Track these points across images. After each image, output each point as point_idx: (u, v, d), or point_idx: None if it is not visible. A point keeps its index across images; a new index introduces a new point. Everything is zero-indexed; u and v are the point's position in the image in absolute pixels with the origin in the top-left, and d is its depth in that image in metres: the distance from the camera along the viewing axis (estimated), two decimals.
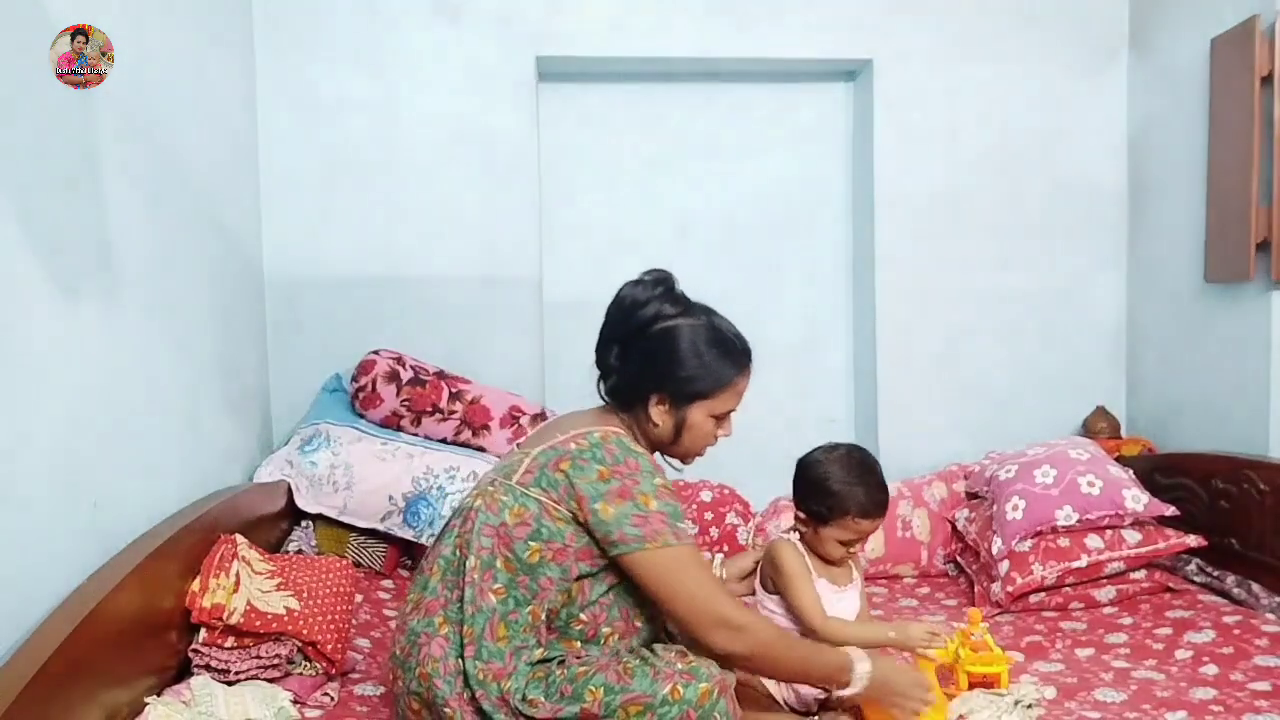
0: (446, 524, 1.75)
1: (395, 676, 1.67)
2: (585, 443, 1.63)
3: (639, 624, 1.70)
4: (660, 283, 1.73)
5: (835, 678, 1.71)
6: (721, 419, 1.74)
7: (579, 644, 1.65)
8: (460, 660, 1.58)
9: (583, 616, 1.63)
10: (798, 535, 1.97)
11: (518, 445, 1.81)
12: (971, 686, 1.88)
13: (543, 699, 1.54)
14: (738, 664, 1.64)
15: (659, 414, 1.70)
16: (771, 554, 1.95)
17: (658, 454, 1.77)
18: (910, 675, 1.78)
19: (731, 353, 1.72)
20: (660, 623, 1.75)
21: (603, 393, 1.77)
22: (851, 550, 1.94)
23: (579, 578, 1.62)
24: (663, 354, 1.68)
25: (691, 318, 1.71)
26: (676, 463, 1.79)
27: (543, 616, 1.60)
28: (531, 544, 1.60)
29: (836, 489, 1.89)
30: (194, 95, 2.42)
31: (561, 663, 1.60)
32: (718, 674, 1.54)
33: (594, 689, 1.51)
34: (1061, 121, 3.23)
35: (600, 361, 1.76)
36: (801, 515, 1.96)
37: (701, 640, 1.61)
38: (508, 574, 1.60)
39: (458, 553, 1.64)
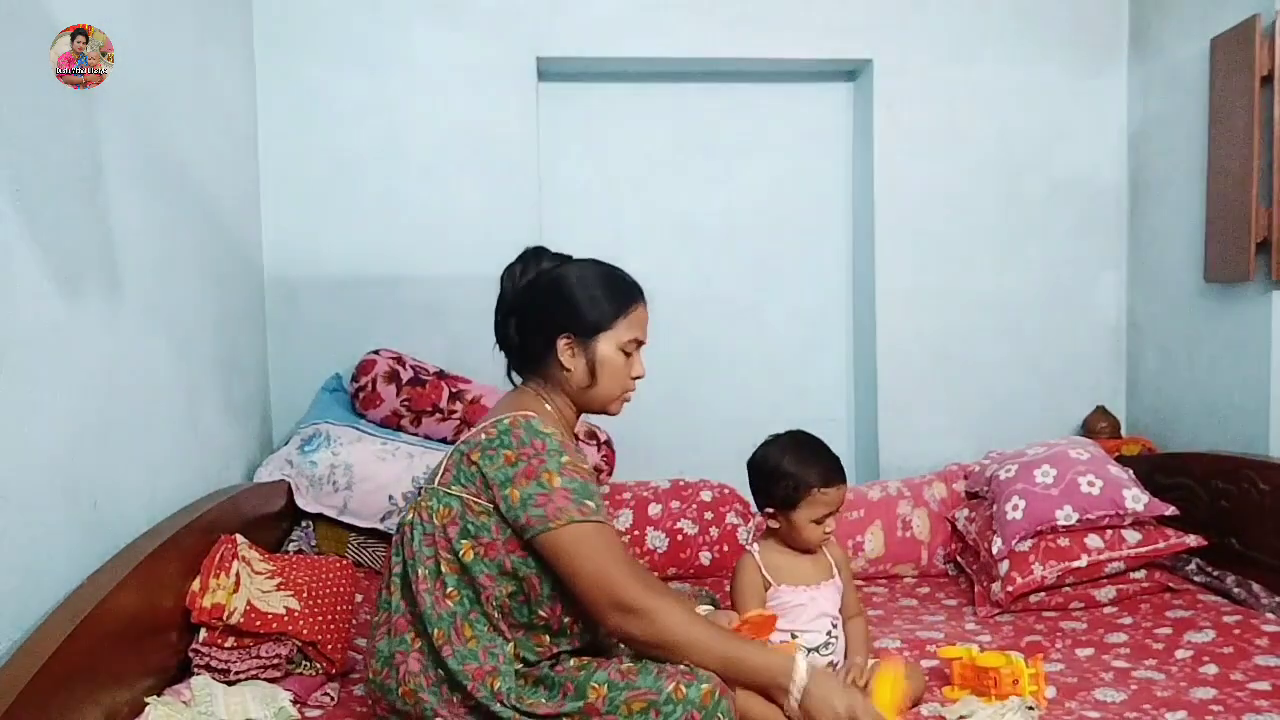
0: (393, 542, 1.73)
1: (375, 700, 1.68)
2: (494, 430, 1.63)
3: None
4: (534, 250, 1.78)
5: (766, 685, 1.60)
6: (630, 353, 1.74)
7: (547, 637, 1.65)
8: (439, 670, 1.58)
9: (542, 612, 1.63)
10: (758, 547, 2.00)
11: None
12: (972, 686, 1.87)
13: (543, 700, 1.54)
14: (642, 650, 1.59)
15: (568, 358, 1.71)
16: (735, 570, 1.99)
17: (585, 415, 1.78)
18: (855, 700, 1.61)
19: (621, 283, 1.75)
20: None
21: (514, 369, 1.80)
22: (827, 532, 1.95)
23: (518, 575, 1.60)
24: (554, 297, 1.71)
25: (574, 263, 1.76)
26: (606, 419, 1.78)
27: (496, 614, 1.60)
28: (463, 542, 1.60)
29: (793, 469, 1.93)
30: (194, 95, 2.42)
31: (555, 664, 1.60)
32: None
33: (596, 685, 1.52)
34: (1061, 121, 3.23)
35: (502, 343, 1.78)
36: (770, 511, 1.98)
37: (600, 623, 1.60)
38: (455, 576, 1.61)
39: (405, 567, 1.64)
